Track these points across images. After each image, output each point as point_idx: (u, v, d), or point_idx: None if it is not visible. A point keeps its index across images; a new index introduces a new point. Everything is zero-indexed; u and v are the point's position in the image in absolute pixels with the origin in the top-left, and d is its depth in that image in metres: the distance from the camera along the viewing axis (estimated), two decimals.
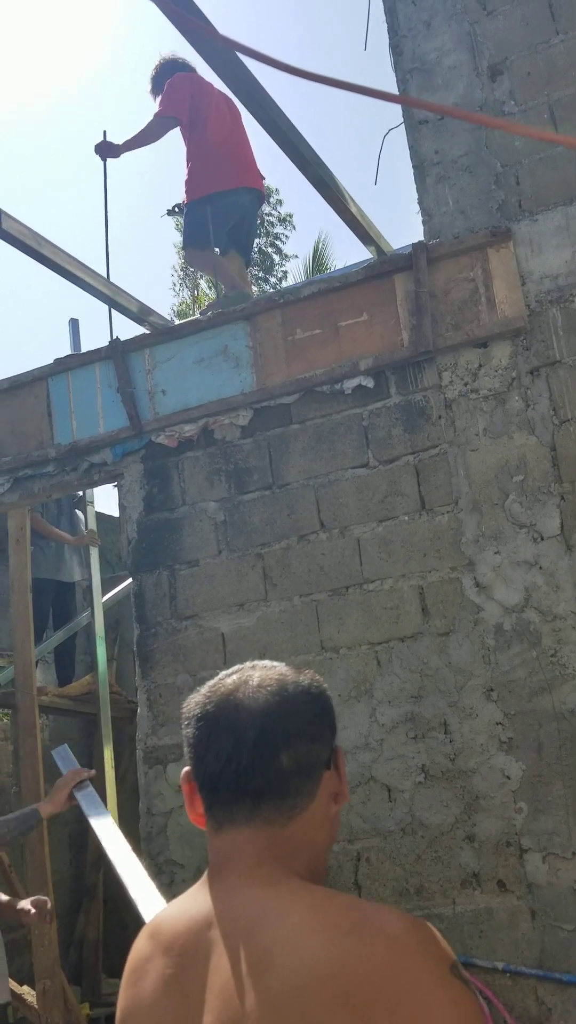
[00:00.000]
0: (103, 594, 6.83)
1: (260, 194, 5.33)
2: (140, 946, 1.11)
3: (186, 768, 1.15)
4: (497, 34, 3.59)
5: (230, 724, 1.08)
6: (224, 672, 1.17)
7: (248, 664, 1.17)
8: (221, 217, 5.04)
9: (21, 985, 4.19)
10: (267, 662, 1.17)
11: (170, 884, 3.49)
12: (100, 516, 7.36)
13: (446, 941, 0.99)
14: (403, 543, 3.41)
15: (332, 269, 13.51)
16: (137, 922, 2.83)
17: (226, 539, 3.72)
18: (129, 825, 6.36)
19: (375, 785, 3.26)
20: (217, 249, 5.25)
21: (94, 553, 5.99)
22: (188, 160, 5.11)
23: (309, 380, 3.66)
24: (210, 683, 1.15)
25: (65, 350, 5.55)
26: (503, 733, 3.13)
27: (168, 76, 5.29)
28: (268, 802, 1.06)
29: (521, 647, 3.17)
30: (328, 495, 3.58)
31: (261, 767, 1.06)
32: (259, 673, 1.13)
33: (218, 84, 4.67)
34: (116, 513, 6.51)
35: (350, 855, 3.25)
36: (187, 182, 5.09)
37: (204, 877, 1.11)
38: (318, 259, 14.00)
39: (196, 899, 1.08)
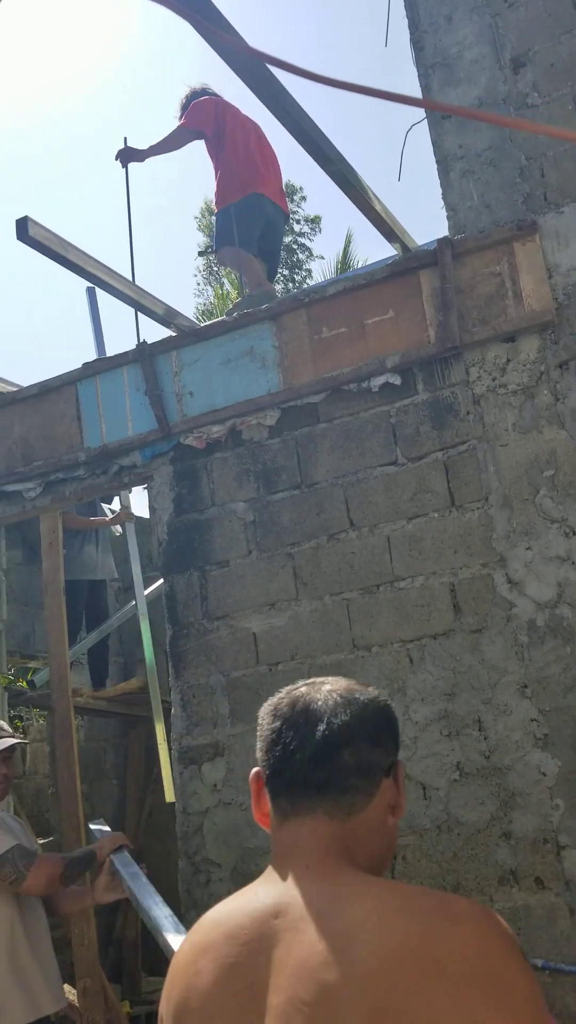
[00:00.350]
0: (133, 596, 6.88)
1: (284, 214, 5.47)
2: (194, 940, 1.14)
3: (256, 768, 1.22)
4: (519, 26, 3.57)
5: (300, 721, 1.17)
6: (299, 683, 1.26)
7: (319, 678, 1.26)
8: (248, 217, 5.09)
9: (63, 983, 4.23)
10: (337, 677, 1.26)
11: (207, 883, 3.51)
12: (129, 515, 7.40)
13: None
14: (433, 540, 3.40)
15: (357, 267, 13.50)
16: (176, 913, 2.85)
17: (256, 539, 3.73)
18: (160, 824, 6.41)
19: (410, 783, 3.25)
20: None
21: (130, 529, 6.03)
22: (216, 172, 5.20)
23: (336, 379, 3.65)
24: (285, 688, 1.26)
25: (92, 355, 5.57)
26: (538, 730, 3.11)
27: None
28: (329, 795, 1.13)
29: (555, 643, 3.15)
30: (357, 493, 3.58)
31: (325, 760, 1.13)
32: (330, 683, 1.23)
33: (242, 101, 4.71)
34: (146, 514, 6.56)
35: None
36: (216, 193, 5.19)
37: (266, 873, 1.16)
38: (346, 259, 13.99)
39: (259, 892, 1.12)
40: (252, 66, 2.47)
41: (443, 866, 3.16)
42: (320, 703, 1.17)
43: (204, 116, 5.19)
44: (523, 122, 3.02)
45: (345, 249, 14.01)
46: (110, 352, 5.14)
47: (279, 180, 5.41)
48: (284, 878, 1.11)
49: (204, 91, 5.50)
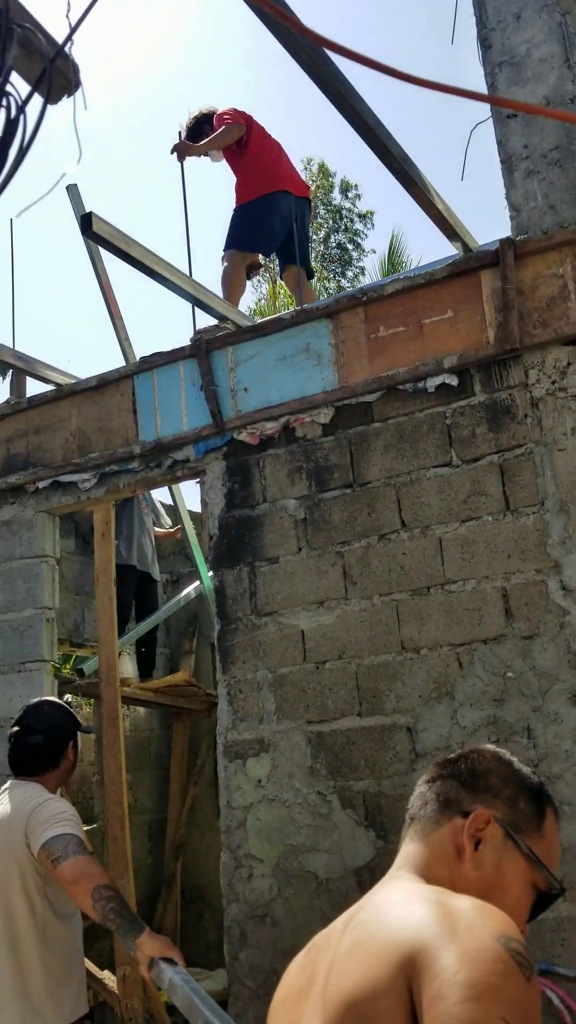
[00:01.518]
0: (182, 590, 6.95)
1: (308, 201, 5.48)
2: (296, 958, 1.32)
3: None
4: None
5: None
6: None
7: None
8: (264, 218, 5.11)
9: (102, 970, 4.29)
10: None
11: (249, 878, 3.52)
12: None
13: (529, 949, 1.04)
14: (486, 544, 3.37)
15: (407, 265, 13.40)
16: (214, 913, 2.86)
17: (306, 537, 3.73)
18: (202, 816, 6.46)
19: None
20: (263, 257, 5.37)
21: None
22: (237, 175, 5.29)
23: (392, 378, 3.64)
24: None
25: (149, 348, 5.61)
26: None
27: (207, 124, 5.45)
28: (419, 820, 1.38)
29: None
30: (409, 494, 3.55)
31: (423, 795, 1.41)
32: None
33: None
34: (198, 509, 6.62)
35: None
36: (237, 192, 5.24)
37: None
38: (393, 255, 13.90)
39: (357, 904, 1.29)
40: (314, 57, 2.46)
41: None
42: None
43: (238, 113, 5.27)
44: None
45: (391, 248, 13.91)
46: None
47: (295, 170, 5.45)
48: (377, 890, 1.31)
49: (211, 113, 5.51)
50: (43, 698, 3.35)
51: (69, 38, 1.70)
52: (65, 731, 3.12)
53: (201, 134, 5.46)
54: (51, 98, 1.84)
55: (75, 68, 1.87)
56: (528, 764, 3.12)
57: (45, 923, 2.80)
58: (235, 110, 5.32)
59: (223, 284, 5.09)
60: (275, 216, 5.18)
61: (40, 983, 2.75)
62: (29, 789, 2.95)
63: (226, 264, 5.22)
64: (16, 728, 3.09)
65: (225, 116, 5.29)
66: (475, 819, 1.30)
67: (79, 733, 3.20)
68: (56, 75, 1.80)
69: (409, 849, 1.35)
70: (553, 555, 3.23)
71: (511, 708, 3.20)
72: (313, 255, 16.29)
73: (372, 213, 16.85)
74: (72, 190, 5.47)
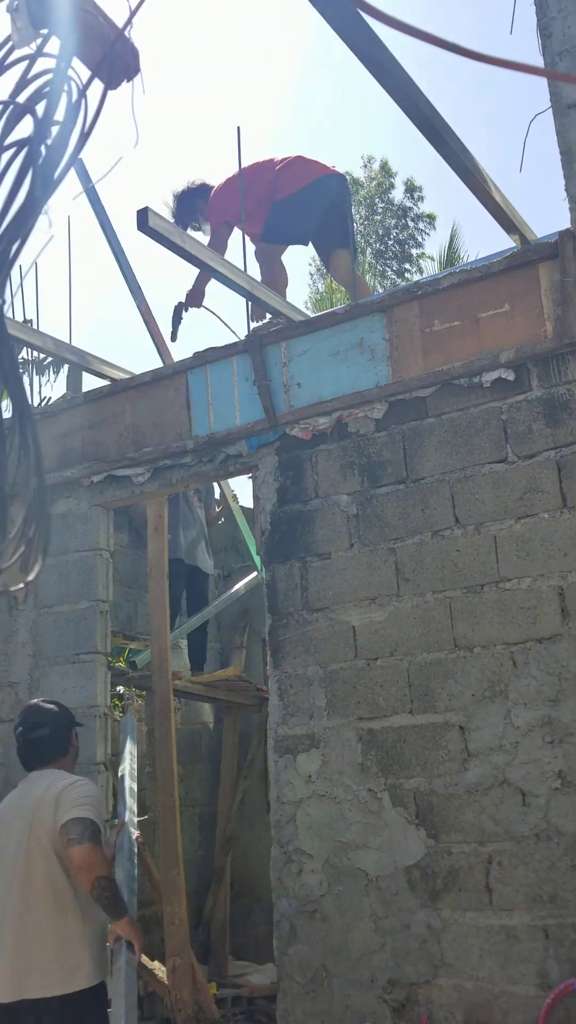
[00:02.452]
0: (234, 585, 6.97)
1: (342, 177, 5.28)
2: None
3: None
4: None
5: None
6: None
7: None
8: (305, 209, 5.01)
9: (152, 960, 4.33)
10: None
11: (299, 873, 3.52)
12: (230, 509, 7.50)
13: None
14: (542, 541, 3.31)
15: (464, 261, 13.26)
16: (264, 907, 2.87)
17: (358, 532, 3.71)
18: (252, 810, 6.48)
19: (508, 788, 3.18)
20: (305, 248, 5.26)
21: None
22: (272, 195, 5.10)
23: (446, 373, 3.60)
24: None
25: (203, 344, 5.62)
26: None
27: (190, 204, 5.31)
28: None
29: None
30: (464, 490, 3.51)
31: None
32: None
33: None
34: (250, 503, 6.64)
35: (481, 857, 3.19)
36: (274, 192, 5.09)
37: None
38: (452, 250, 13.77)
39: None
40: (372, 47, 2.44)
41: (540, 875, 3.08)
42: None
43: (225, 201, 5.03)
44: None
45: (450, 243, 13.79)
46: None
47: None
48: None
49: (204, 186, 5.35)
50: (34, 700, 3.61)
51: (129, 21, 1.71)
52: (66, 720, 3.38)
53: (193, 208, 5.32)
54: (111, 83, 1.86)
55: (134, 53, 1.88)
56: None
57: (63, 893, 3.02)
58: (216, 204, 5.10)
59: (264, 282, 5.03)
60: (316, 205, 5.06)
61: (52, 947, 2.96)
62: (54, 775, 3.20)
63: (263, 259, 5.14)
64: (20, 728, 3.34)
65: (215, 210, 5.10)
66: None
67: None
68: (116, 60, 1.81)
69: None
70: None
71: (567, 709, 3.14)
72: (370, 251, 16.23)
73: (434, 216, 16.76)
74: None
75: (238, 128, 5.51)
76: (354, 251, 5.40)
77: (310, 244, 5.41)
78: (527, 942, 3.06)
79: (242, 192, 4.64)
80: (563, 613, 3.22)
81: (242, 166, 4.61)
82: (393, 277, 16.16)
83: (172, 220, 5.14)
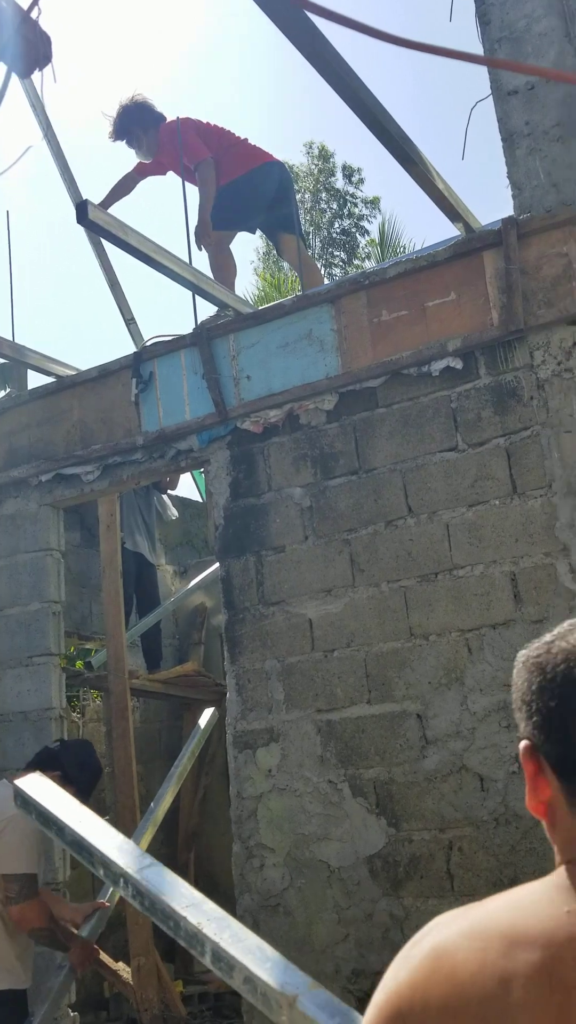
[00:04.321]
0: (189, 582, 6.92)
1: (282, 165, 5.24)
2: (503, 966, 0.83)
3: (525, 742, 0.97)
4: None
5: None
6: (565, 628, 1.00)
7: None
8: (252, 193, 4.98)
9: (117, 961, 4.29)
10: None
11: (260, 868, 3.51)
12: (185, 502, 7.45)
13: None
14: (494, 528, 3.33)
15: (407, 250, 13.30)
16: (227, 903, 2.86)
17: (312, 525, 3.70)
18: (214, 806, 6.45)
19: (467, 774, 3.21)
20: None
21: None
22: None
23: (395, 363, 3.60)
24: (551, 639, 0.98)
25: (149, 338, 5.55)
26: None
27: (138, 123, 5.15)
28: None
29: None
30: (416, 480, 3.52)
31: None
32: None
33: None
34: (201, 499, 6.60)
35: (442, 844, 3.21)
36: (218, 174, 5.02)
37: (562, 879, 0.90)
38: (385, 242, 13.78)
39: (571, 911, 0.86)
40: (310, 36, 2.41)
41: (501, 859, 3.11)
42: None
43: (198, 144, 4.95)
44: None
45: (381, 235, 13.77)
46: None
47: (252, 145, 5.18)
48: None
49: (142, 108, 5.19)
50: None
51: (35, 4, 1.66)
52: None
53: (135, 127, 5.16)
54: (24, 72, 1.80)
55: (46, 39, 1.83)
56: None
57: None
58: (193, 136, 4.96)
59: (213, 269, 4.97)
60: (259, 192, 5.02)
61: None
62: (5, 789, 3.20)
63: (211, 247, 5.06)
64: None
65: (196, 154, 4.94)
66: None
67: None
68: (27, 47, 1.75)
69: None
70: (561, 538, 3.20)
71: None
72: (318, 239, 16.20)
73: (378, 199, 16.75)
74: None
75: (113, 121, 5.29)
76: (301, 236, 5.38)
77: (258, 231, 5.40)
78: None
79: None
80: (516, 598, 3.25)
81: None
82: (342, 266, 16.15)
83: (112, 133, 5.15)
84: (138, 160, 5.24)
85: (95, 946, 3.42)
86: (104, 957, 3.97)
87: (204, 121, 5.12)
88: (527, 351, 3.38)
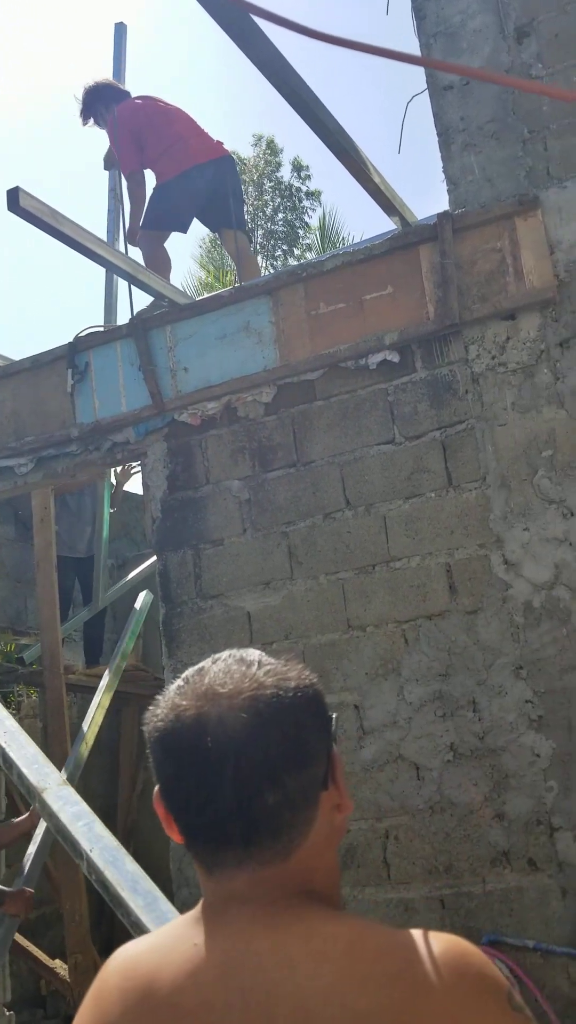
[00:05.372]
0: (128, 573, 6.86)
1: (228, 158, 5.23)
2: (119, 995, 0.96)
3: (157, 787, 1.01)
4: None
5: (199, 760, 0.93)
6: (191, 674, 1.01)
7: (221, 662, 1.01)
8: (183, 196, 4.98)
9: (53, 959, 4.24)
10: (242, 655, 1.03)
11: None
12: (125, 494, 7.37)
13: (477, 920, 0.99)
14: (430, 520, 3.37)
15: (345, 241, 13.36)
16: (167, 896, 2.84)
17: (251, 518, 3.69)
18: (152, 800, 6.43)
19: (403, 763, 3.24)
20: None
21: None
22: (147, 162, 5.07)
23: (333, 355, 3.60)
24: (173, 695, 0.99)
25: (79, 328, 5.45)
26: (533, 711, 3.10)
27: (100, 100, 5.19)
28: (258, 846, 0.94)
29: (551, 624, 3.12)
30: (353, 472, 3.54)
31: (243, 812, 0.92)
32: (230, 684, 0.96)
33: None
34: (139, 491, 6.54)
35: (378, 833, 3.24)
36: (154, 172, 5.06)
37: (197, 913, 0.99)
38: (325, 235, 13.81)
39: (196, 945, 0.94)
40: (243, 27, 2.40)
41: (436, 847, 3.16)
42: (221, 728, 0.93)
43: (128, 151, 4.99)
44: (532, 84, 2.95)
45: (322, 228, 13.82)
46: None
47: (203, 133, 5.14)
48: (227, 932, 0.93)
49: (106, 84, 5.24)
50: None
51: None
52: None
53: (98, 105, 5.19)
54: None
55: None
56: (474, 737, 3.15)
57: None
58: (127, 143, 4.96)
59: (148, 265, 4.94)
60: (192, 193, 5.01)
61: None
62: None
63: (145, 245, 5.05)
64: None
65: (126, 164, 4.97)
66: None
67: None
68: None
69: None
70: (495, 530, 3.25)
71: (456, 683, 3.22)
72: (260, 232, 16.16)
73: (320, 192, 16.79)
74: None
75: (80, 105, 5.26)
76: (245, 230, 5.37)
77: (201, 225, 5.38)
78: (424, 913, 3.13)
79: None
80: (451, 589, 3.29)
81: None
82: (283, 258, 16.13)
83: (81, 116, 5.22)
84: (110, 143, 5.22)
85: (29, 890, 3.59)
86: (40, 955, 3.93)
87: (161, 103, 5.08)
88: (462, 345, 3.42)
